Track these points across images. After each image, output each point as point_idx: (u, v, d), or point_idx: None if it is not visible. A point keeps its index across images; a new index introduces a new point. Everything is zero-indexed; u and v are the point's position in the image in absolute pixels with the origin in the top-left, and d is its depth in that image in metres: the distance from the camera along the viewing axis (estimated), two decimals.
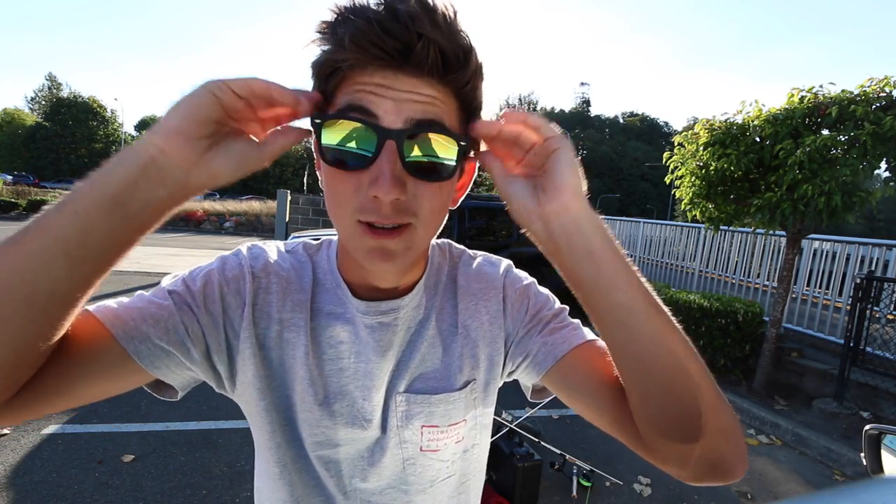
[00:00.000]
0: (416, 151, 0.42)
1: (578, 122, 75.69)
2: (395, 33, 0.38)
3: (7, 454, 2.53)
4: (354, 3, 0.40)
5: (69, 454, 2.59)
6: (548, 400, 0.60)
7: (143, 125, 47.77)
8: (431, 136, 0.42)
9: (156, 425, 2.98)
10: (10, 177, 26.61)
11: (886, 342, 3.75)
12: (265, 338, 0.52)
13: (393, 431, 0.56)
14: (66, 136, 37.78)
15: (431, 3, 0.40)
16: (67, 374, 0.41)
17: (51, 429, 2.83)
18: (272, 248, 0.57)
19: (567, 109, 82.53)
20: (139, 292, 0.50)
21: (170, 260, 9.69)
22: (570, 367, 0.51)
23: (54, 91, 40.85)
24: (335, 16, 0.41)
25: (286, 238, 7.07)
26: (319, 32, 0.42)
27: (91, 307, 0.44)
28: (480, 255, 0.63)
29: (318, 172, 0.49)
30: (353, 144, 0.42)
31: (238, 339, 0.51)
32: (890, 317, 4.03)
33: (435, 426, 0.56)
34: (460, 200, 0.54)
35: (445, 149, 0.43)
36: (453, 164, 0.44)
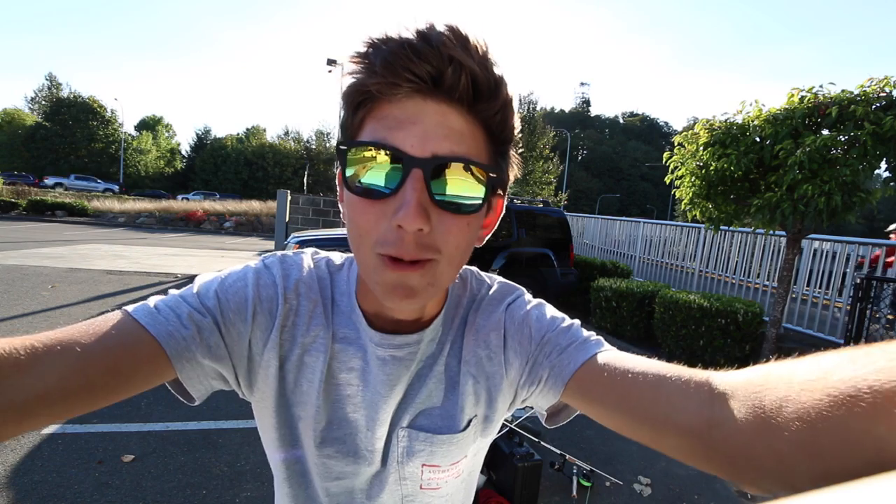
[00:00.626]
0: (444, 182, 0.41)
1: (578, 122, 75.69)
2: (427, 57, 0.38)
3: (7, 454, 2.53)
4: (387, 33, 0.40)
5: (69, 454, 2.58)
6: (564, 422, 0.56)
7: (143, 125, 47.69)
8: (459, 167, 0.41)
9: (156, 425, 2.98)
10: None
11: None
12: (286, 360, 0.52)
13: (393, 467, 0.55)
14: (66, 136, 37.74)
15: (464, 33, 0.40)
16: (118, 389, 0.41)
17: (51, 429, 2.82)
18: (304, 263, 0.56)
19: (567, 109, 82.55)
20: (176, 297, 0.48)
21: (170, 260, 9.69)
22: (587, 378, 0.47)
23: (54, 91, 40.78)
24: (366, 46, 0.40)
25: (286, 238, 7.08)
26: (352, 62, 0.41)
27: (143, 320, 0.43)
28: (495, 285, 0.60)
29: (340, 205, 0.49)
30: (377, 172, 0.41)
31: (261, 356, 0.51)
32: (890, 317, 4.03)
33: (436, 466, 0.55)
34: (486, 238, 0.51)
35: (474, 181, 0.42)
36: (481, 197, 0.43)
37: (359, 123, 0.43)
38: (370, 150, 0.41)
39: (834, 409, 0.27)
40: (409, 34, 0.39)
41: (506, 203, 0.50)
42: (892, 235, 5.62)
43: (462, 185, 0.42)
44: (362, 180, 0.42)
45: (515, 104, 0.44)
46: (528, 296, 0.60)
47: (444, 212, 0.42)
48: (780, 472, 0.31)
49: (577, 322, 0.55)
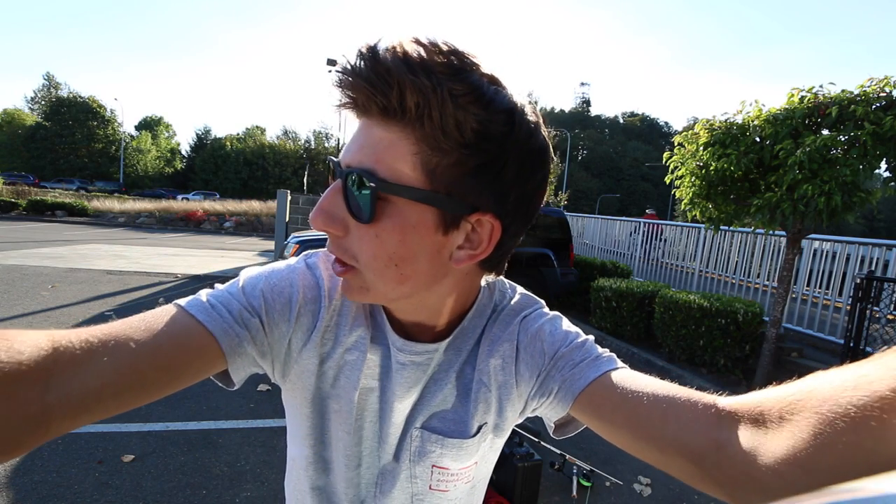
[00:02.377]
0: (350, 191, 0.44)
1: (578, 122, 75.66)
2: (345, 82, 0.42)
3: None
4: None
5: (69, 454, 2.59)
6: (572, 434, 0.57)
7: (143, 125, 47.66)
8: (355, 176, 0.43)
9: (156, 425, 2.98)
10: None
11: (886, 342, 3.75)
12: (328, 357, 0.54)
13: (405, 464, 0.58)
14: (65, 136, 37.73)
15: (383, 53, 0.40)
16: (169, 384, 0.42)
17: None
18: None
19: (567, 109, 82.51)
20: (225, 292, 0.49)
21: (170, 260, 9.68)
22: (597, 395, 0.48)
23: (53, 91, 40.79)
24: None
25: (286, 238, 7.05)
26: None
27: (199, 316, 0.45)
28: (516, 296, 0.61)
29: None
30: (331, 179, 0.48)
31: (299, 353, 0.53)
32: (890, 317, 4.03)
33: (446, 468, 0.57)
34: (470, 262, 0.47)
35: (363, 190, 0.43)
36: (368, 206, 0.43)
37: None
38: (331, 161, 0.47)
39: (822, 427, 0.28)
40: (349, 61, 0.42)
41: (495, 226, 0.46)
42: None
43: (357, 194, 0.43)
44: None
45: (448, 111, 0.40)
46: (545, 309, 0.60)
47: (356, 221, 0.44)
48: (781, 490, 0.31)
49: (591, 338, 0.55)
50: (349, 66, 0.41)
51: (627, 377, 0.48)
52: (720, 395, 0.42)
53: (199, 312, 0.45)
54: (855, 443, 0.26)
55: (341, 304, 0.54)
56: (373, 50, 0.40)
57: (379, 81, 0.40)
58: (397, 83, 0.39)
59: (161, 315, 0.43)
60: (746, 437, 0.35)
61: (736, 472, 0.35)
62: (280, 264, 0.55)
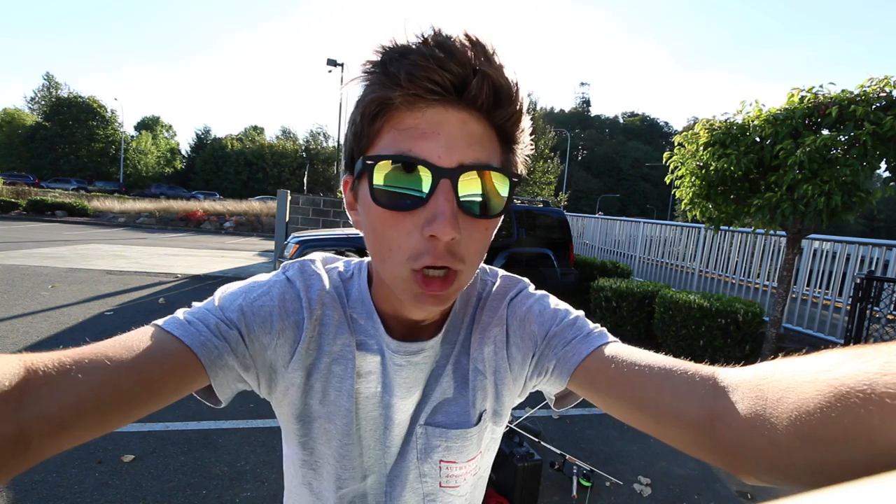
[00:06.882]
0: (470, 190, 0.42)
1: (578, 122, 75.73)
2: (452, 69, 0.39)
3: None
4: (400, 43, 0.40)
5: (69, 454, 2.58)
6: (572, 405, 0.58)
7: (143, 125, 47.62)
8: (484, 174, 0.42)
9: (156, 425, 2.98)
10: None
11: (886, 342, 3.73)
12: (314, 368, 0.53)
13: (413, 464, 0.57)
14: (65, 136, 37.69)
15: (481, 40, 0.40)
16: (150, 400, 0.40)
17: None
18: (322, 273, 0.57)
19: (567, 109, 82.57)
20: (202, 309, 0.48)
21: (170, 260, 9.68)
22: (592, 369, 0.48)
23: (53, 91, 40.75)
24: (381, 55, 0.41)
25: (286, 238, 7.05)
26: (366, 71, 0.42)
27: (176, 332, 0.44)
28: (498, 280, 0.61)
29: (350, 213, 0.50)
30: (407, 184, 0.41)
31: (286, 368, 0.52)
32: (890, 317, 4.03)
33: (453, 462, 0.57)
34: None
35: (497, 186, 0.43)
36: (505, 199, 0.45)
37: (376, 133, 0.43)
38: (396, 163, 0.41)
39: (832, 401, 0.27)
40: (428, 44, 0.39)
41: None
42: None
43: (487, 192, 0.43)
44: (390, 193, 0.42)
45: (527, 105, 0.45)
46: (530, 288, 0.60)
47: (469, 218, 0.43)
48: (777, 462, 0.31)
49: (581, 313, 0.56)
50: (469, 50, 0.40)
51: (622, 350, 0.48)
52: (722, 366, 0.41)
53: (175, 328, 0.44)
54: (863, 418, 0.25)
55: (322, 313, 0.54)
56: (484, 48, 0.40)
57: (501, 73, 0.41)
58: (516, 83, 0.42)
59: (136, 334, 0.42)
60: (745, 406, 0.34)
61: (731, 440, 0.35)
62: (258, 278, 0.54)
